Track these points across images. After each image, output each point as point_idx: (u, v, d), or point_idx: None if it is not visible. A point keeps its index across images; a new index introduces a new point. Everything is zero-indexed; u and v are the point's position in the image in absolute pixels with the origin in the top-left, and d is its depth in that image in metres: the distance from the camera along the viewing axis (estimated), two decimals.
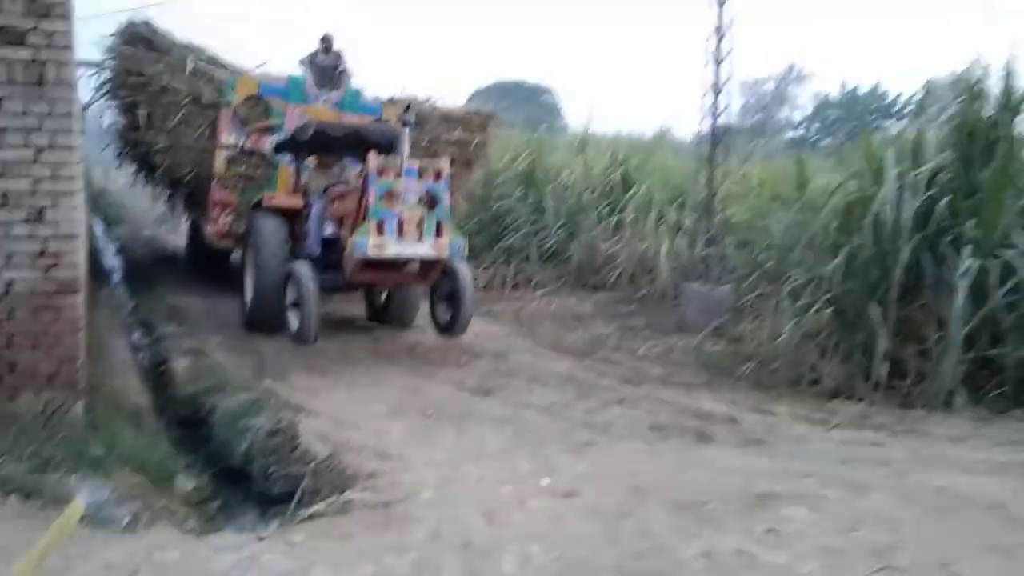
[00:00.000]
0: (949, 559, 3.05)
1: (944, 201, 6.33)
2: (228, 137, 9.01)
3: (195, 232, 10.72)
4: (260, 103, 9.15)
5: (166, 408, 5.88)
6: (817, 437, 4.96)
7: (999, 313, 6.10)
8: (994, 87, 6.79)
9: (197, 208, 9.88)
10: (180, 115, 8.98)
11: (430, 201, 6.44)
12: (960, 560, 3.04)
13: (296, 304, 6.51)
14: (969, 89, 6.88)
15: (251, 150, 9.15)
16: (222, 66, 9.47)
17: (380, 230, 6.30)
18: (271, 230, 7.40)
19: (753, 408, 5.74)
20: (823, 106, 42.39)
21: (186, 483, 4.40)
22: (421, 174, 6.51)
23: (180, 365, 6.59)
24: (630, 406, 5.67)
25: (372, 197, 6.30)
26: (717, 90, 9.31)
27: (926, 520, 3.44)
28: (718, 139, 9.59)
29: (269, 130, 9.14)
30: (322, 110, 9.21)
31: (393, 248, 6.35)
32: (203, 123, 9.08)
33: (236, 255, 9.31)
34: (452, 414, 5.29)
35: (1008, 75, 6.70)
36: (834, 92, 41.59)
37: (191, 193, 9.69)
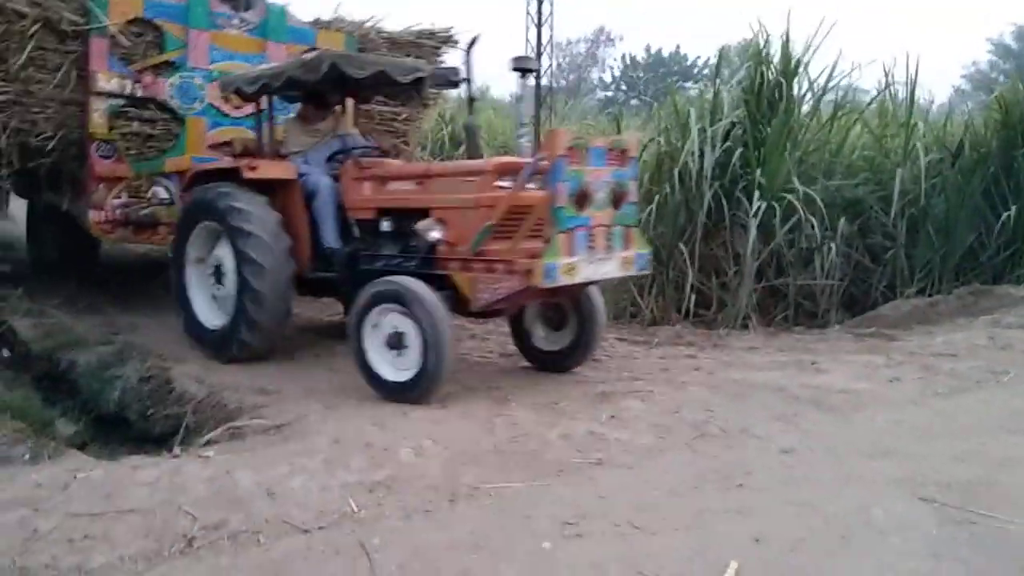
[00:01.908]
0: (747, 427, 3.94)
1: (738, 153, 7.40)
2: (106, 80, 6.39)
3: (46, 222, 8.08)
4: (148, 29, 6.62)
5: (19, 368, 5.81)
6: (642, 354, 5.81)
7: (782, 248, 7.32)
8: (776, 53, 7.96)
9: (62, 188, 7.09)
10: (27, 51, 6.07)
11: (619, 198, 4.49)
12: (755, 427, 3.94)
13: (396, 345, 4.40)
14: (756, 55, 8.00)
15: (143, 97, 6.60)
16: None
17: (569, 247, 4.24)
18: (264, 217, 5.19)
19: None
20: (631, 68, 44.79)
21: (67, 428, 4.53)
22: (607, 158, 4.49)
23: (23, 325, 6.45)
24: (477, 340, 6.29)
25: (563, 196, 4.18)
26: (538, 52, 10.00)
27: (730, 402, 4.35)
28: (541, 99, 10.34)
29: (166, 67, 6.70)
30: (237, 37, 6.99)
31: (585, 270, 4.34)
32: (64, 63, 6.31)
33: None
34: (321, 353, 5.66)
35: (786, 43, 7.88)
36: (640, 55, 44.07)
37: (53, 168, 6.69)
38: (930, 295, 7.33)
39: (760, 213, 7.01)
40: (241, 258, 5.14)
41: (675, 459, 3.55)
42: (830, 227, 7.37)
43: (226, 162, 5.68)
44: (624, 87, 43.31)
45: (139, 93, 6.58)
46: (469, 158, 5.37)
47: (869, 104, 8.83)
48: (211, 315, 5.56)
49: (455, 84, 5.40)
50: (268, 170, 5.48)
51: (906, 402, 4.36)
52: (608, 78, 45.45)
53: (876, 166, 8.31)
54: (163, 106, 6.69)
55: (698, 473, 3.37)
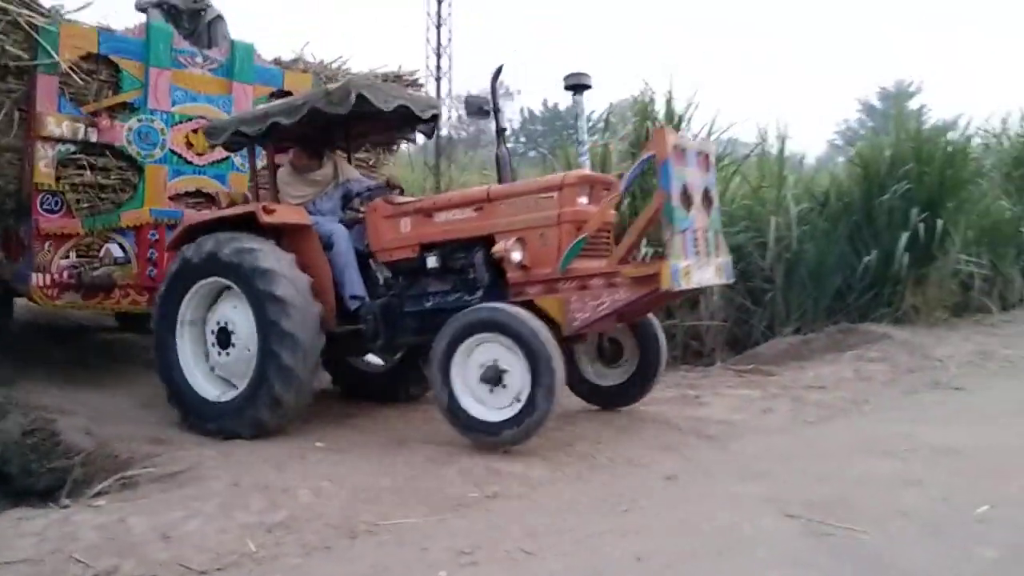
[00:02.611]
0: (634, 456, 4.19)
1: (627, 203, 7.82)
2: (56, 123, 5.65)
3: None
4: (103, 66, 5.94)
5: None
6: None
7: None
8: (660, 109, 8.50)
9: None
10: None
11: (709, 202, 4.40)
12: (642, 456, 4.19)
13: (493, 381, 4.12)
14: (642, 110, 8.52)
15: (98, 143, 5.90)
16: (36, 7, 5.69)
17: (684, 249, 4.08)
18: (295, 279, 4.66)
19: None
20: (528, 121, 45.99)
21: None
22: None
23: None
24: None
25: (676, 195, 4.05)
26: (438, 87, 10.31)
27: (618, 435, 4.61)
28: (442, 149, 10.63)
29: (122, 109, 6.02)
30: (201, 76, 6.35)
31: (696, 275, 4.15)
32: (3, 102, 5.63)
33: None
34: None
35: (669, 100, 8.43)
36: (538, 109, 45.35)
37: None
38: (804, 334, 7.87)
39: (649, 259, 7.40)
40: (269, 328, 4.51)
41: (566, 488, 3.73)
42: None
43: (240, 208, 5.09)
44: (523, 139, 44.47)
45: (93, 138, 5.85)
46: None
47: (746, 157, 9.49)
48: (208, 385, 4.93)
49: (488, 113, 5.03)
50: (286, 215, 4.97)
51: (777, 430, 4.72)
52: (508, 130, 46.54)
53: (754, 215, 8.91)
54: (119, 153, 6.01)
55: (588, 501, 3.56)
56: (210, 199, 6.17)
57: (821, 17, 79.94)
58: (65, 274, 5.78)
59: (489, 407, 4.11)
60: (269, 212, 4.87)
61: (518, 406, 4.01)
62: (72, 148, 5.80)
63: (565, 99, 5.28)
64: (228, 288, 4.86)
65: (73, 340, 7.38)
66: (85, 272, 5.87)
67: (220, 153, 6.25)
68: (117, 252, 6.04)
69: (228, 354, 4.84)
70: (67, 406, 5.39)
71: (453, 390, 4.16)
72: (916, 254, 8.04)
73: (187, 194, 6.25)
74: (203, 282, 4.91)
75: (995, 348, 7.06)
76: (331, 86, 5.01)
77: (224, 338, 4.85)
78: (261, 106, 5.46)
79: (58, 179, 5.74)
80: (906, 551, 2.99)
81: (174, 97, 6.20)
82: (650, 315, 4.94)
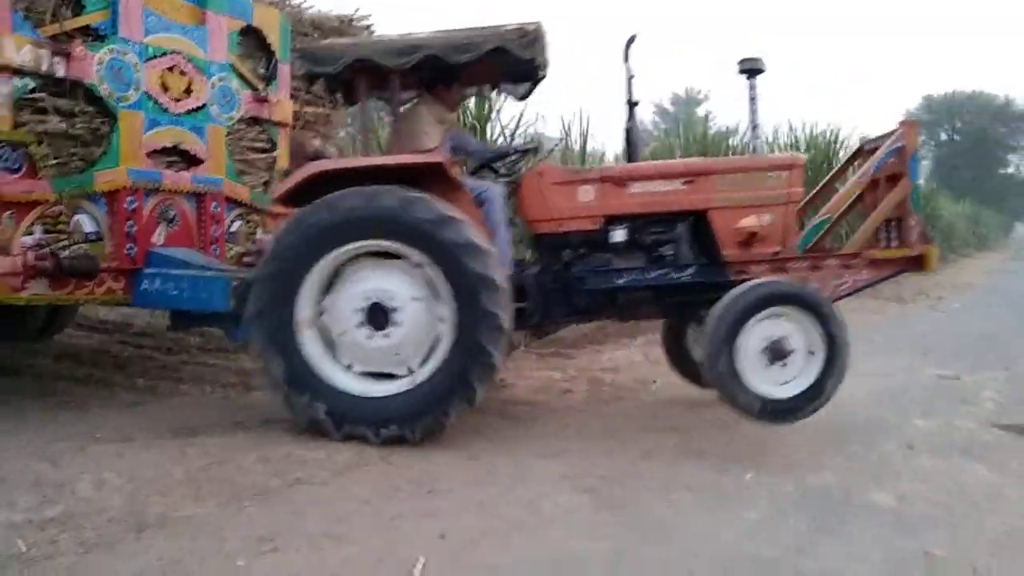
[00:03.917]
0: (440, 439, 4.23)
1: None
2: (15, 48, 4.27)
3: None
4: None
5: None
6: None
7: None
8: (471, 100, 8.61)
9: None
10: None
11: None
12: (447, 438, 4.25)
13: (778, 357, 4.00)
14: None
15: (67, 80, 4.54)
16: None
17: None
18: (485, 237, 4.12)
19: None
20: None
21: None
22: None
23: None
24: (172, 370, 5.99)
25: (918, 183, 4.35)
26: None
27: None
28: None
29: (90, 35, 4.70)
30: (173, 2, 5.18)
31: None
32: None
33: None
34: None
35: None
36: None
37: None
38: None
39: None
40: (474, 302, 3.90)
41: (371, 472, 3.72)
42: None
43: (421, 158, 4.23)
44: None
45: (60, 72, 4.48)
46: (628, 158, 4.71)
47: (550, 152, 9.85)
48: (345, 377, 4.11)
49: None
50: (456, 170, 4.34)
51: (575, 410, 4.97)
52: None
53: None
54: (88, 94, 4.65)
55: (392, 484, 3.56)
56: (189, 158, 5.25)
57: (622, 22, 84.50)
58: (31, 255, 4.35)
59: (775, 384, 4.01)
60: (455, 165, 4.28)
61: (804, 384, 3.98)
62: (30, 84, 4.41)
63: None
64: (352, 258, 4.09)
65: None
66: (61, 252, 4.53)
67: (196, 100, 5.25)
68: (88, 225, 4.74)
69: (388, 335, 4.05)
70: None
71: (737, 367, 3.97)
72: None
73: (163, 151, 5.12)
74: (345, 248, 4.04)
75: None
76: (524, 24, 4.22)
77: (379, 317, 4.03)
78: (396, 36, 4.35)
79: (16, 125, 4.36)
80: (686, 517, 3.27)
81: (147, 24, 4.95)
82: None
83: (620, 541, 3.04)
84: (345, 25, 6.77)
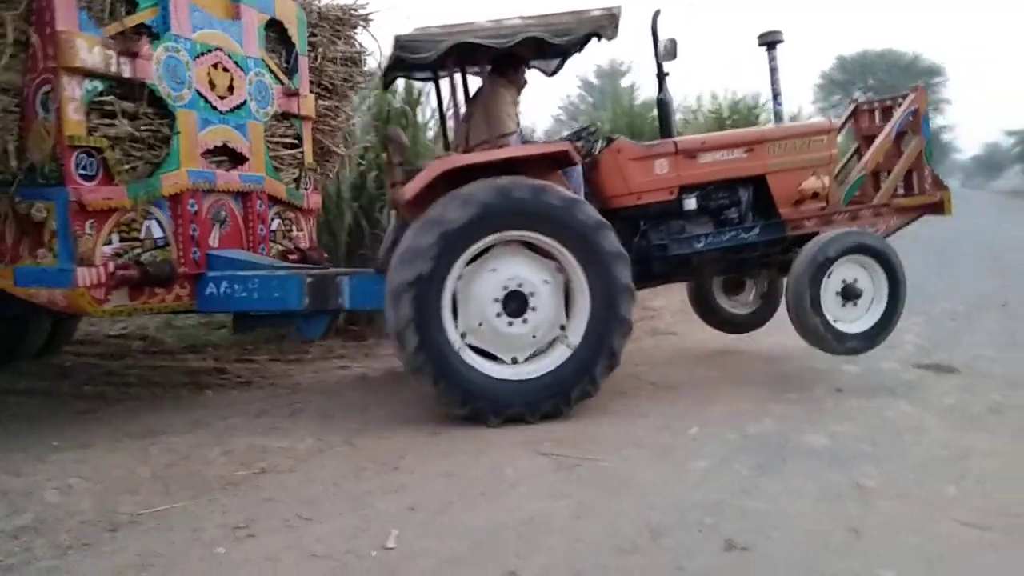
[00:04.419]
0: (401, 418, 4.36)
1: (372, 175, 7.91)
2: (88, 48, 4.09)
3: None
4: None
5: None
6: (297, 370, 5.98)
7: None
8: (400, 84, 8.64)
9: None
10: None
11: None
12: (407, 415, 4.38)
13: (850, 297, 4.67)
14: (380, 83, 8.60)
15: (130, 79, 4.37)
16: None
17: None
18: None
19: (237, 359, 6.51)
20: None
21: None
22: None
23: None
24: (119, 375, 5.94)
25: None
26: None
27: (384, 399, 4.77)
28: None
29: (142, 33, 4.50)
30: None
31: None
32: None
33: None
34: None
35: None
36: None
37: None
38: None
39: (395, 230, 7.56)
40: (613, 285, 4.20)
41: (336, 455, 3.83)
42: None
43: (552, 147, 4.46)
44: None
45: (126, 72, 4.33)
46: (663, 134, 4.86)
47: None
48: (486, 363, 4.26)
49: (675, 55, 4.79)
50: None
51: None
52: None
53: None
54: (150, 94, 4.52)
55: (357, 464, 3.68)
56: (235, 157, 5.16)
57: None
58: (112, 265, 4.24)
59: (846, 322, 4.63)
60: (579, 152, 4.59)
61: (872, 319, 4.62)
62: (99, 86, 4.24)
63: None
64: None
65: None
66: (147, 261, 4.45)
67: (239, 97, 5.16)
68: (156, 230, 4.63)
69: (526, 320, 4.25)
70: None
71: (823, 307, 4.54)
72: None
73: (214, 151, 5.00)
74: (484, 241, 4.17)
75: None
76: (611, 9, 4.43)
77: (517, 304, 4.22)
78: (494, 20, 4.41)
79: (90, 131, 4.18)
80: (639, 471, 3.49)
81: (193, 20, 4.82)
82: None
83: (580, 497, 3.23)
84: (347, 15, 6.60)
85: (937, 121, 46.73)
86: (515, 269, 4.23)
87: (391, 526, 2.96)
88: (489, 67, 4.81)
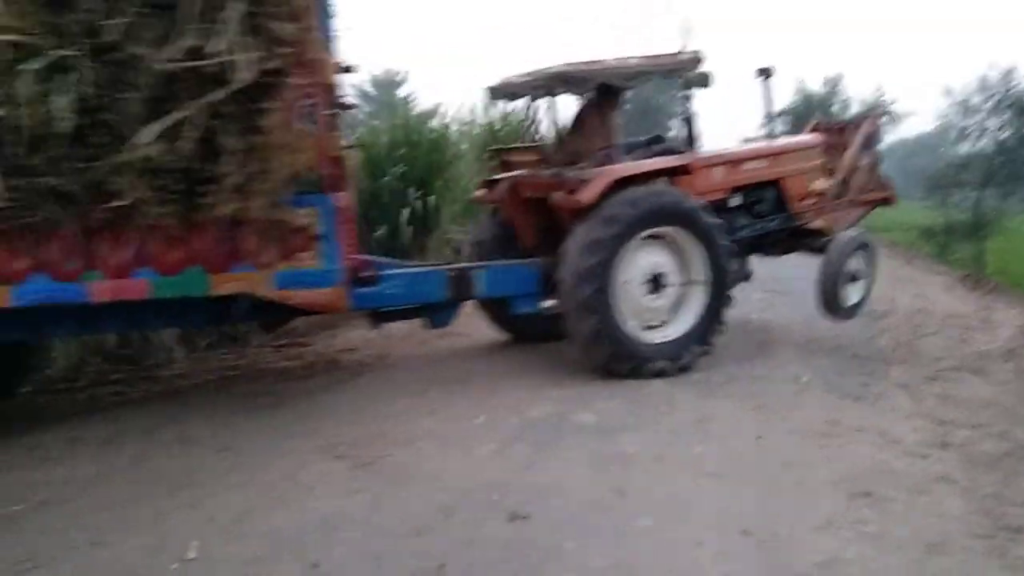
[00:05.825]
0: (190, 436, 4.30)
1: None
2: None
3: None
4: None
5: None
6: (68, 402, 5.60)
7: None
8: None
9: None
10: None
11: None
12: (195, 433, 4.33)
13: (855, 279, 6.00)
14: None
15: None
16: None
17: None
18: None
19: None
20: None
21: None
22: None
23: None
24: None
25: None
26: None
27: (171, 421, 4.63)
28: None
29: None
30: None
31: None
32: None
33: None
34: None
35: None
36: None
37: None
38: None
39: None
40: (723, 267, 5.43)
41: (118, 481, 3.72)
42: None
43: (674, 160, 5.61)
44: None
45: None
46: (689, 143, 5.75)
47: None
48: (641, 332, 5.31)
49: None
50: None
51: (320, 390, 5.22)
52: None
53: None
54: None
55: (144, 490, 3.59)
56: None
57: None
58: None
59: (851, 297, 5.98)
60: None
61: (860, 296, 6.02)
62: None
63: None
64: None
65: None
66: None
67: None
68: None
69: (661, 296, 5.39)
70: None
71: (843, 287, 5.87)
72: (417, 227, 9.27)
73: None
74: (641, 235, 5.23)
75: None
76: (693, 54, 5.50)
77: (654, 284, 5.35)
78: (615, 60, 5.47)
79: None
80: (430, 461, 3.75)
81: None
82: None
83: (375, 491, 3.43)
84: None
85: None
86: (651, 258, 5.36)
87: (191, 538, 3.00)
88: (594, 93, 5.83)
